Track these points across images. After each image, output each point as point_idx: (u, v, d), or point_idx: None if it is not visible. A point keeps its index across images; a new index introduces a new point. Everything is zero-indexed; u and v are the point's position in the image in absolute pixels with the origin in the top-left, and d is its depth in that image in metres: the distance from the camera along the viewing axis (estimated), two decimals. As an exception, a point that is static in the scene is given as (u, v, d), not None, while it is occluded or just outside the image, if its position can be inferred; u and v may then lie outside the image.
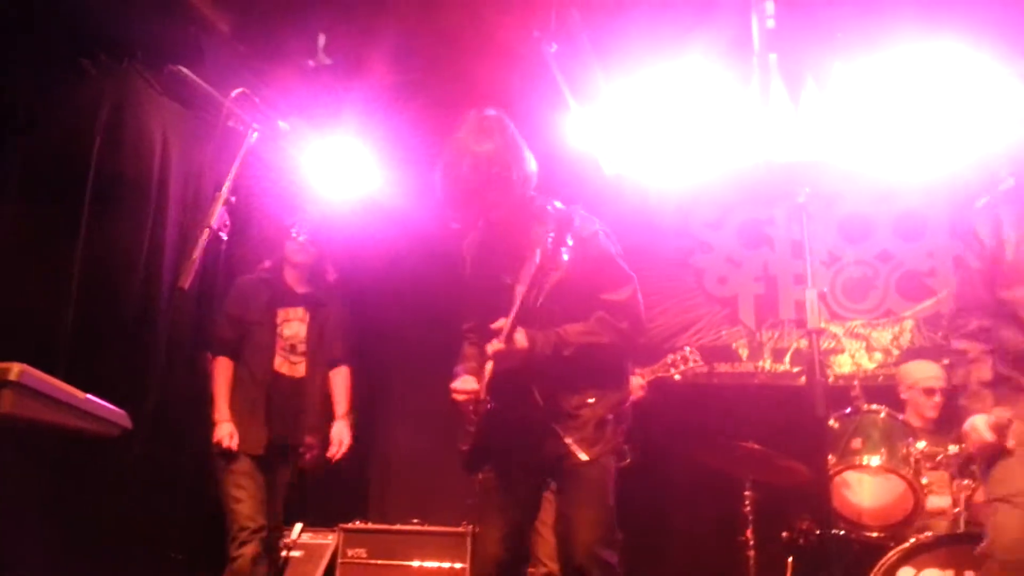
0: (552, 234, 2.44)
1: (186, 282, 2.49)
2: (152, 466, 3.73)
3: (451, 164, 2.60)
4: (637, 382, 4.40)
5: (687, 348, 4.53)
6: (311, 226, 4.03)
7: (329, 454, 3.95)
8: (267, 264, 4.05)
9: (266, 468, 3.81)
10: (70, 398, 2.34)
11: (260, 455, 3.77)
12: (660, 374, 4.49)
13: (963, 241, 2.91)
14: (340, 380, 4.13)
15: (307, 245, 4.00)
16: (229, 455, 3.69)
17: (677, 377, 4.49)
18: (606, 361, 2.69)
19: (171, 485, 3.74)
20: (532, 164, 2.68)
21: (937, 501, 3.74)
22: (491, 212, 2.67)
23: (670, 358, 4.51)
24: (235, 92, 2.80)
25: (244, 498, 3.67)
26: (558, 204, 2.72)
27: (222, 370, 3.79)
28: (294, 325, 3.98)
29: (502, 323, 2.52)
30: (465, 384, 2.72)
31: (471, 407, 2.70)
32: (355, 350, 4.24)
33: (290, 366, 3.94)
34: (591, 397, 2.63)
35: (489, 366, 2.62)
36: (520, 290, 2.52)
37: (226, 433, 3.71)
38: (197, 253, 2.48)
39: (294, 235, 3.98)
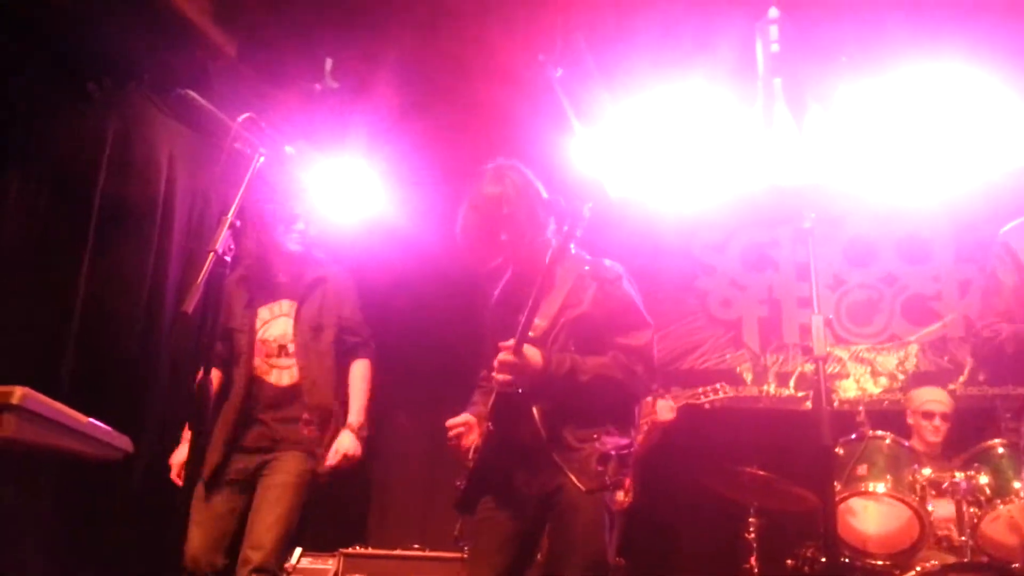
0: (576, 274, 2.56)
1: (190, 306, 2.49)
2: (154, 490, 3.70)
3: (465, 211, 2.72)
4: (668, 405, 4.42)
5: (719, 384, 4.54)
6: (304, 216, 3.53)
7: (327, 464, 3.36)
8: (249, 260, 3.49)
9: (234, 493, 3.26)
10: (72, 422, 2.34)
11: (213, 480, 3.22)
12: (691, 401, 4.50)
13: (995, 257, 2.94)
14: (356, 377, 3.54)
15: (303, 233, 3.48)
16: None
17: (707, 407, 4.51)
18: (615, 401, 2.67)
19: (173, 509, 3.68)
20: (546, 206, 2.74)
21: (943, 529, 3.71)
22: (507, 253, 2.73)
23: (702, 389, 4.53)
24: (242, 117, 2.82)
25: (192, 532, 3.16)
26: (585, 254, 2.79)
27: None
28: (279, 324, 3.42)
29: (510, 342, 2.51)
30: (456, 419, 2.74)
31: (464, 440, 2.69)
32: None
33: (276, 372, 3.38)
34: (596, 433, 2.58)
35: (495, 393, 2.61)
36: (539, 323, 2.57)
37: (175, 461, 3.31)
38: (201, 277, 2.48)
39: (290, 224, 3.46)
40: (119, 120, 3.91)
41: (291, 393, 3.35)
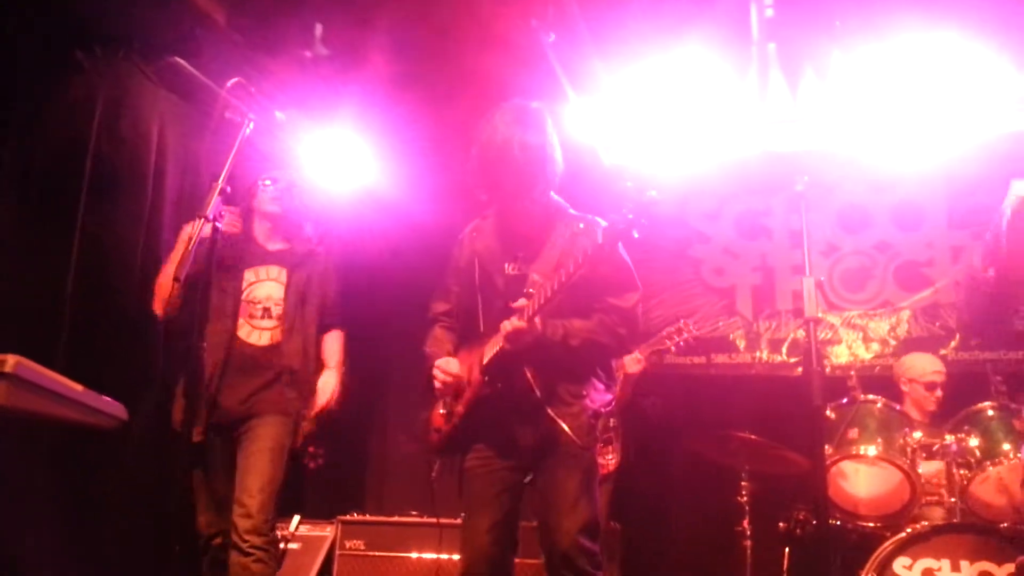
0: (584, 235, 2.56)
1: (181, 273, 2.51)
2: (151, 457, 3.72)
3: (496, 145, 2.63)
4: (634, 357, 4.45)
5: (682, 321, 4.55)
6: (287, 180, 3.54)
7: (317, 408, 3.41)
8: (237, 223, 3.46)
9: (217, 452, 3.27)
10: (66, 390, 2.35)
11: (201, 442, 3.20)
12: (657, 347, 4.52)
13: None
14: (332, 341, 3.58)
15: (281, 194, 3.47)
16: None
17: (673, 349, 4.51)
18: (599, 361, 2.74)
19: (170, 476, 3.70)
20: (561, 165, 2.72)
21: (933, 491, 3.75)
22: (513, 200, 2.70)
23: (666, 331, 4.56)
24: (231, 81, 2.81)
25: (198, 501, 3.24)
26: (572, 210, 2.79)
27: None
28: (265, 287, 3.41)
29: (523, 303, 2.53)
30: (449, 366, 2.73)
31: (453, 389, 2.71)
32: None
33: (257, 333, 3.35)
34: (585, 389, 2.66)
35: (492, 349, 2.62)
36: (536, 279, 2.57)
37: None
38: (192, 243, 2.49)
39: (265, 184, 3.47)
40: (109, 89, 3.87)
41: (270, 353, 3.33)
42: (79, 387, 2.37)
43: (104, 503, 3.66)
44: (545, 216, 2.73)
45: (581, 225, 2.67)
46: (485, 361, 2.65)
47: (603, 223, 2.61)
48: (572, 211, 2.79)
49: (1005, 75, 4.45)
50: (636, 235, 2.47)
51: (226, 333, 3.27)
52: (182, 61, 3.78)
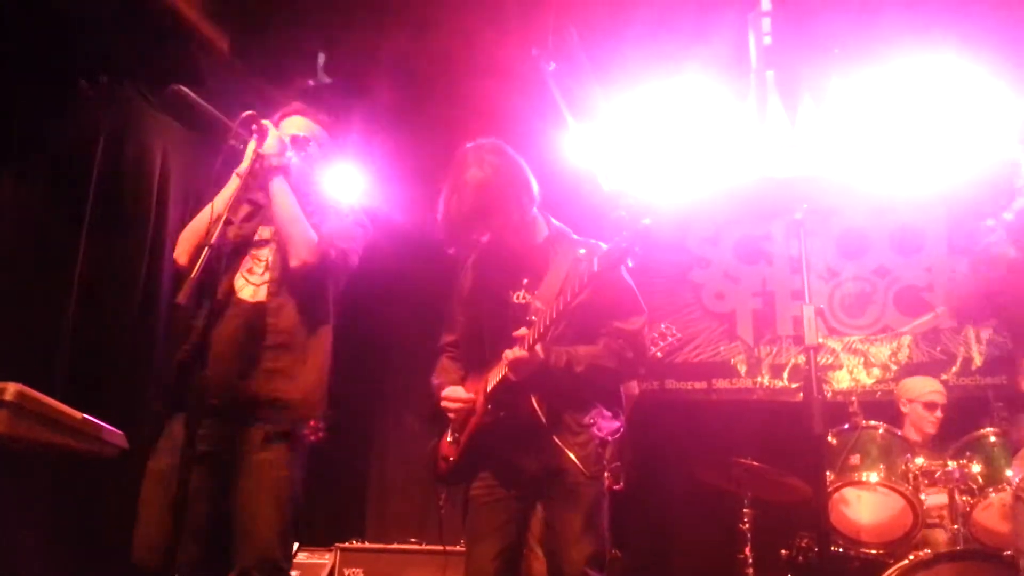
0: (584, 261, 2.51)
1: (184, 298, 2.47)
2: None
3: (447, 197, 2.65)
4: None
5: (663, 325, 4.43)
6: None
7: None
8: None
9: (204, 469, 2.66)
10: (67, 418, 2.34)
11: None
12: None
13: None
14: None
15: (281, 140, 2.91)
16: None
17: (659, 355, 4.44)
18: (607, 386, 2.73)
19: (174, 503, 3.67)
20: (532, 185, 2.70)
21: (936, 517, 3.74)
22: (494, 236, 2.70)
23: (649, 337, 4.51)
24: (245, 114, 2.81)
25: (145, 520, 2.71)
26: (574, 235, 2.78)
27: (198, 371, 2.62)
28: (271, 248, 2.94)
29: (523, 332, 2.53)
30: (456, 393, 2.72)
31: (461, 417, 2.71)
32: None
33: (253, 289, 2.88)
34: (591, 417, 2.65)
35: (496, 376, 2.63)
36: (539, 306, 2.57)
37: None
38: (196, 271, 2.47)
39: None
40: (112, 117, 3.90)
41: (262, 310, 2.84)
42: (79, 415, 2.36)
43: (101, 531, 3.64)
44: (546, 242, 2.74)
45: (582, 250, 2.67)
46: (489, 389, 2.64)
47: (604, 246, 2.62)
48: (574, 236, 2.80)
49: (1003, 99, 4.48)
50: (630, 263, 2.50)
51: (227, 288, 2.88)
52: (185, 89, 3.81)
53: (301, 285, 2.88)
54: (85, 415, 2.36)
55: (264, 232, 2.98)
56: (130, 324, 3.84)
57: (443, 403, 2.72)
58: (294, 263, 2.83)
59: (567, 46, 4.08)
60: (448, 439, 2.77)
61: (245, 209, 3.00)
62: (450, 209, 2.63)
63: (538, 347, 2.53)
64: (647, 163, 5.17)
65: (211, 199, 3.55)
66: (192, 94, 3.85)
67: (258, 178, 2.89)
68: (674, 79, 4.56)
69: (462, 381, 2.79)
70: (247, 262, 2.92)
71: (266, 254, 2.93)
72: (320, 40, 3.99)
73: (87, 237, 3.75)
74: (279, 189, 2.88)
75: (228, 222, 2.57)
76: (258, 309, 2.83)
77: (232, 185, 2.85)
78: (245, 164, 2.85)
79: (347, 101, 4.26)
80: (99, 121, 3.86)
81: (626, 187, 5.36)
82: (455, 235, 2.70)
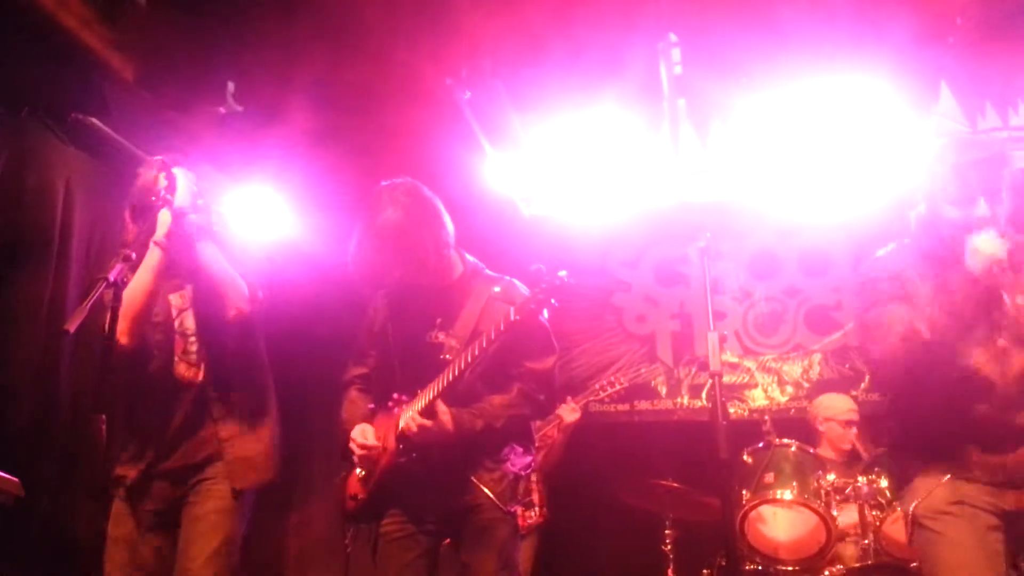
0: (500, 301, 2.57)
1: (72, 325, 2.39)
2: (54, 535, 3.53)
3: (361, 238, 2.67)
4: (570, 407, 4.65)
5: (612, 376, 4.86)
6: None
7: None
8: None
9: (157, 529, 2.85)
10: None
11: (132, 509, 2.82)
12: (590, 398, 4.72)
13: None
14: None
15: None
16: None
17: (606, 400, 4.80)
18: (521, 425, 2.77)
19: (75, 555, 3.50)
20: (446, 225, 2.72)
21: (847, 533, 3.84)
22: (408, 277, 2.70)
23: (597, 385, 4.81)
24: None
25: None
26: (489, 271, 2.82)
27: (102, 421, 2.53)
28: (187, 315, 2.95)
29: (423, 398, 2.57)
30: (365, 437, 2.70)
31: (369, 460, 2.68)
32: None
33: (189, 369, 2.91)
34: (505, 455, 2.69)
35: (402, 423, 2.61)
36: (453, 344, 2.60)
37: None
38: (89, 301, 2.39)
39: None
40: (12, 145, 3.74)
41: (200, 388, 2.90)
42: (-30, 463, 2.25)
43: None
44: (460, 280, 2.75)
45: (497, 288, 2.69)
46: (400, 429, 2.62)
47: (521, 287, 2.64)
48: (488, 272, 2.81)
49: (907, 124, 4.67)
50: (546, 314, 2.55)
51: (167, 372, 2.93)
52: (90, 118, 3.69)
53: (233, 343, 2.92)
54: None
55: (175, 300, 2.98)
56: (32, 359, 3.67)
57: (351, 444, 2.69)
58: (231, 314, 2.86)
59: (482, 75, 4.12)
60: (357, 475, 2.73)
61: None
62: (364, 250, 2.65)
63: (444, 416, 2.52)
64: (567, 189, 5.24)
65: (115, 230, 3.45)
66: (97, 123, 3.74)
67: (175, 241, 2.86)
68: (590, 107, 4.63)
69: (372, 415, 2.77)
70: (179, 343, 2.93)
71: (190, 325, 2.93)
72: (230, 68, 3.91)
73: (-15, 271, 3.58)
74: (207, 250, 2.88)
75: (128, 259, 2.48)
76: (202, 386, 2.88)
77: (154, 255, 2.81)
78: (162, 231, 2.80)
79: (261, 129, 4.19)
80: (-2, 149, 3.71)
81: (546, 212, 5.42)
82: (369, 275, 2.70)
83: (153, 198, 2.69)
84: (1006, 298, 2.33)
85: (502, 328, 2.47)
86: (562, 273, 2.50)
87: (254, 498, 2.96)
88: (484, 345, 2.49)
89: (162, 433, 2.83)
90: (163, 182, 2.72)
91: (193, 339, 2.93)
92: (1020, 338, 2.32)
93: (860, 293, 2.56)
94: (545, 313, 2.66)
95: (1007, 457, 2.31)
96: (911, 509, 2.37)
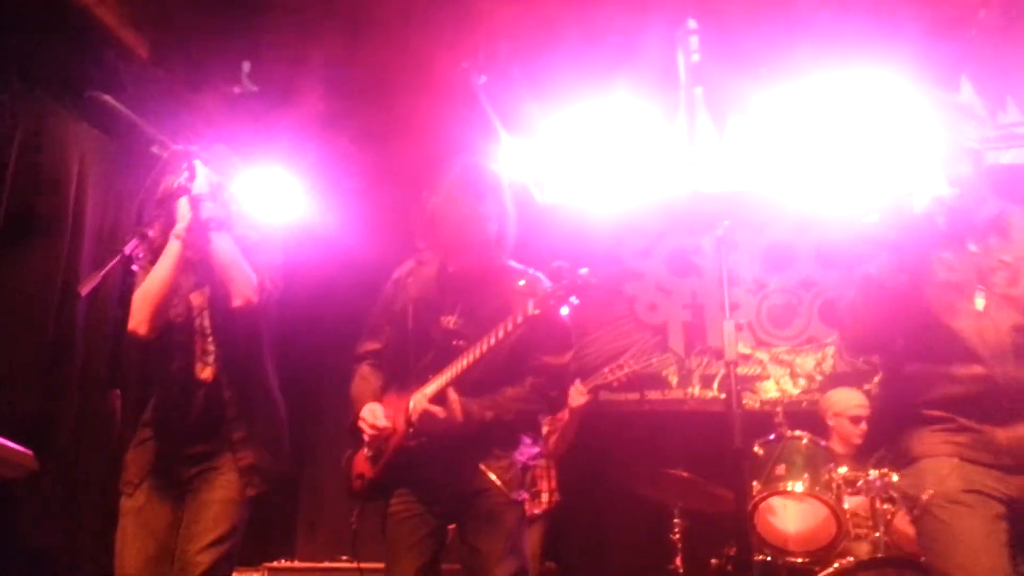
0: (522, 294, 2.54)
1: (85, 288, 2.40)
2: (64, 507, 3.55)
3: (441, 212, 2.67)
4: (578, 390, 4.52)
5: (622, 359, 4.71)
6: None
7: None
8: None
9: (172, 504, 2.85)
10: (-32, 440, 2.23)
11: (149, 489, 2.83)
12: (598, 383, 4.59)
13: None
14: None
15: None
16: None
17: (615, 385, 4.60)
18: (531, 418, 2.78)
19: (80, 531, 3.52)
20: (514, 226, 2.74)
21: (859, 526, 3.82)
22: (453, 261, 2.70)
23: (607, 368, 4.65)
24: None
25: (124, 552, 2.76)
26: (515, 264, 2.80)
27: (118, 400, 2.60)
28: (206, 315, 2.95)
29: (435, 383, 2.56)
30: (376, 417, 2.68)
31: (379, 441, 2.67)
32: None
33: (205, 369, 2.92)
34: (515, 444, 2.69)
35: (412, 404, 2.60)
36: (467, 334, 2.57)
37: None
38: (104, 269, 2.39)
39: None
40: (27, 123, 3.75)
41: (211, 390, 2.90)
42: (-18, 435, 2.25)
43: (8, 557, 3.47)
44: (486, 270, 2.72)
45: (522, 282, 2.67)
46: (410, 412, 2.62)
47: (545, 282, 2.63)
48: (513, 264, 2.78)
49: (923, 117, 4.62)
50: (565, 310, 2.52)
51: (187, 369, 2.93)
52: (105, 96, 3.68)
53: (242, 336, 2.92)
54: (-10, 435, 2.25)
55: (196, 299, 2.97)
56: (45, 337, 3.69)
57: (360, 423, 2.69)
58: (237, 303, 2.85)
59: (497, 59, 4.09)
60: (365, 454, 2.72)
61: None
62: (443, 221, 2.65)
63: (454, 404, 2.52)
64: (581, 176, 5.21)
65: (129, 208, 3.46)
66: (112, 100, 3.73)
67: (195, 234, 2.87)
68: (606, 94, 4.60)
69: (382, 392, 2.76)
70: (198, 343, 2.92)
71: (208, 325, 2.93)
72: (245, 48, 3.90)
73: (0, 247, 3.59)
74: (220, 240, 2.87)
75: (144, 237, 2.49)
76: (215, 385, 2.87)
77: (174, 248, 2.83)
78: (182, 224, 2.81)
79: (274, 110, 4.18)
80: (13, 127, 3.71)
81: (560, 199, 5.40)
82: (434, 246, 2.70)
83: (175, 186, 2.70)
84: (946, 255, 2.38)
85: (519, 320, 2.45)
86: (584, 270, 2.47)
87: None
88: (501, 336, 2.47)
89: (177, 430, 2.86)
90: (184, 171, 2.74)
91: (211, 339, 2.93)
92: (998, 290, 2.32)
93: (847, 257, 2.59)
94: (565, 309, 2.62)
95: (1008, 431, 2.28)
96: (924, 496, 2.34)
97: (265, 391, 3.00)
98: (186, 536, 2.77)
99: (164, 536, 2.79)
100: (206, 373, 2.90)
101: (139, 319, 2.79)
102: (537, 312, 2.44)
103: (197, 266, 2.94)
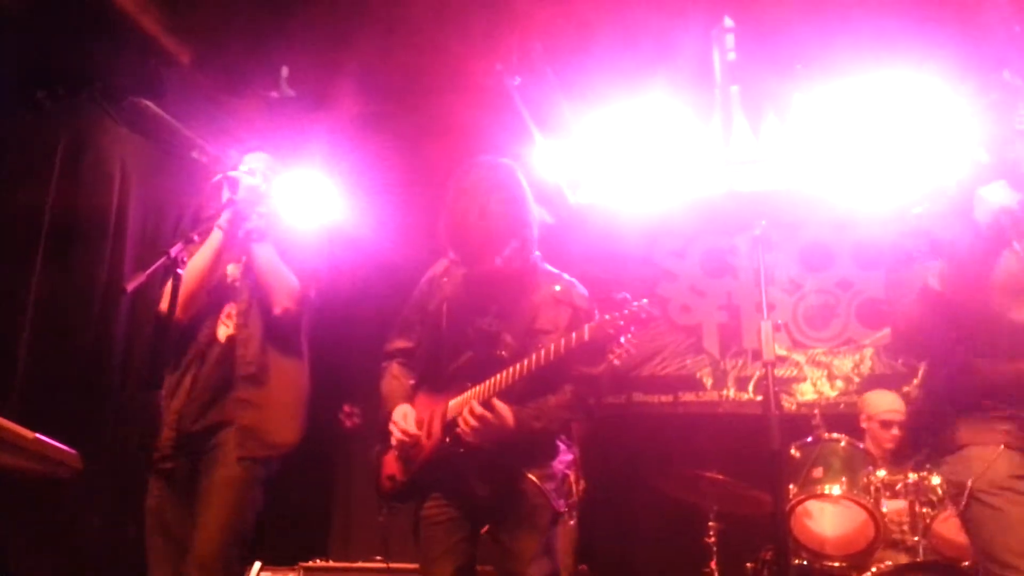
0: (548, 293, 2.58)
1: (131, 285, 2.47)
2: (106, 506, 3.62)
3: (458, 209, 2.65)
4: None
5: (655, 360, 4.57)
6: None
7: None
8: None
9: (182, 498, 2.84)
10: (17, 438, 2.28)
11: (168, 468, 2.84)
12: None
13: None
14: None
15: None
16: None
17: (616, 362, 4.48)
18: (567, 425, 2.85)
19: (124, 527, 3.59)
20: (534, 211, 2.73)
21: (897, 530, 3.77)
22: (476, 262, 2.69)
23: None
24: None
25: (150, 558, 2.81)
26: (549, 267, 2.80)
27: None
28: (240, 286, 3.01)
29: (473, 391, 2.56)
30: (408, 423, 2.66)
31: (409, 446, 2.66)
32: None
33: (225, 330, 2.94)
34: (556, 452, 2.72)
35: (452, 411, 2.61)
36: (508, 340, 2.58)
37: None
38: (150, 269, 2.46)
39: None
40: (70, 129, 3.84)
41: (230, 347, 2.91)
42: (31, 435, 2.30)
43: (54, 555, 3.55)
44: (520, 272, 2.70)
45: (558, 288, 2.67)
46: (449, 419, 2.61)
47: (580, 288, 2.63)
48: (548, 267, 2.78)
49: (961, 116, 4.55)
50: (622, 341, 2.49)
51: (209, 332, 2.99)
52: (146, 101, 3.76)
53: (274, 322, 2.94)
54: (38, 434, 2.30)
55: (231, 268, 3.04)
56: (88, 339, 3.77)
57: (391, 426, 2.69)
58: (277, 311, 2.91)
59: (532, 61, 4.09)
60: (395, 455, 2.71)
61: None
62: (460, 225, 2.64)
63: (503, 409, 2.51)
64: (614, 177, 5.20)
65: (170, 213, 3.53)
66: (153, 107, 3.81)
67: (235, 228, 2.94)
68: (641, 93, 4.58)
69: (413, 392, 2.76)
70: (227, 307, 2.97)
71: (240, 294, 2.97)
72: (284, 53, 3.95)
73: (44, 251, 3.67)
74: (261, 251, 2.94)
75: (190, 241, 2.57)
76: (229, 342, 2.90)
77: (216, 237, 2.90)
78: (226, 216, 2.88)
79: (311, 114, 4.23)
80: (57, 133, 3.80)
81: (593, 200, 5.39)
82: (457, 250, 2.69)
83: (223, 197, 2.79)
84: (1016, 247, 2.30)
85: (573, 345, 2.46)
86: (644, 301, 2.47)
87: (273, 468, 2.94)
88: (551, 356, 2.47)
89: (192, 390, 2.85)
90: (228, 184, 2.82)
91: (235, 307, 2.97)
92: None
93: (892, 252, 2.54)
94: (623, 339, 2.57)
95: None
96: (970, 483, 2.31)
97: (288, 378, 2.97)
98: (193, 524, 2.78)
99: (179, 533, 2.80)
100: (223, 333, 2.93)
101: (176, 303, 2.77)
102: (589, 340, 2.45)
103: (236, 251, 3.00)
